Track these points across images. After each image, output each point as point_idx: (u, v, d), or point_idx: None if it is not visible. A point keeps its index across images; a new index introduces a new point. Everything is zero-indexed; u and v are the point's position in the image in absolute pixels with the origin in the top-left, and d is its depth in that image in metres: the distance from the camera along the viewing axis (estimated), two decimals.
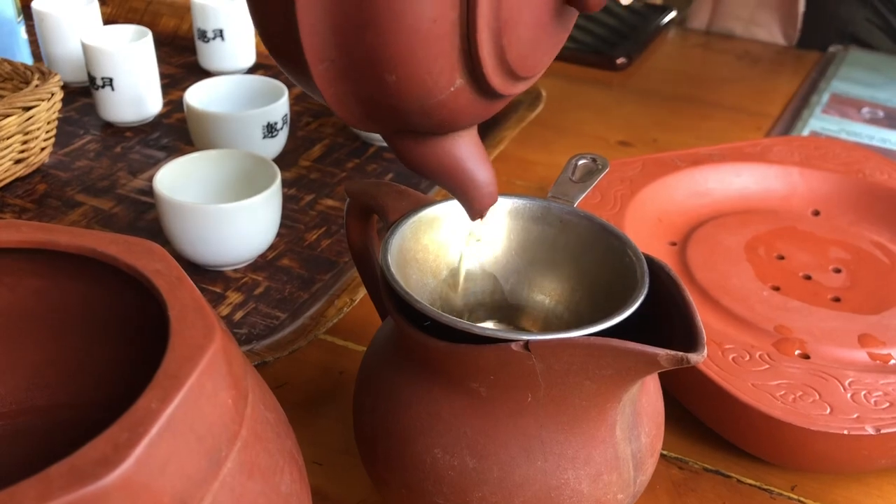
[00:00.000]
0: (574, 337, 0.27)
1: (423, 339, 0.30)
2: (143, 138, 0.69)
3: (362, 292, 0.48)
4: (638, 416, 0.32)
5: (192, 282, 0.26)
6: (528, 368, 0.28)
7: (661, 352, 0.26)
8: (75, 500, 0.19)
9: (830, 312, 0.46)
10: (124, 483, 0.19)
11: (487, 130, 0.70)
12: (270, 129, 0.63)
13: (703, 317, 0.44)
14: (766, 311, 0.46)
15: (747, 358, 0.41)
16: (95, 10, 0.75)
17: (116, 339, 0.32)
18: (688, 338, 0.28)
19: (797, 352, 0.43)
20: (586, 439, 0.30)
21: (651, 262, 0.32)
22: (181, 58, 0.83)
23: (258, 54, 0.81)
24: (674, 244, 0.52)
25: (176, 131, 0.70)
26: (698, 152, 0.59)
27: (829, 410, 0.38)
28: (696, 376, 0.40)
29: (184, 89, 0.77)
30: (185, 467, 0.21)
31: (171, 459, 0.21)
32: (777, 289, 0.47)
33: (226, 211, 0.50)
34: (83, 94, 0.75)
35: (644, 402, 0.32)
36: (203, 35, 0.77)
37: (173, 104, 0.74)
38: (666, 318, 0.30)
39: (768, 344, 0.43)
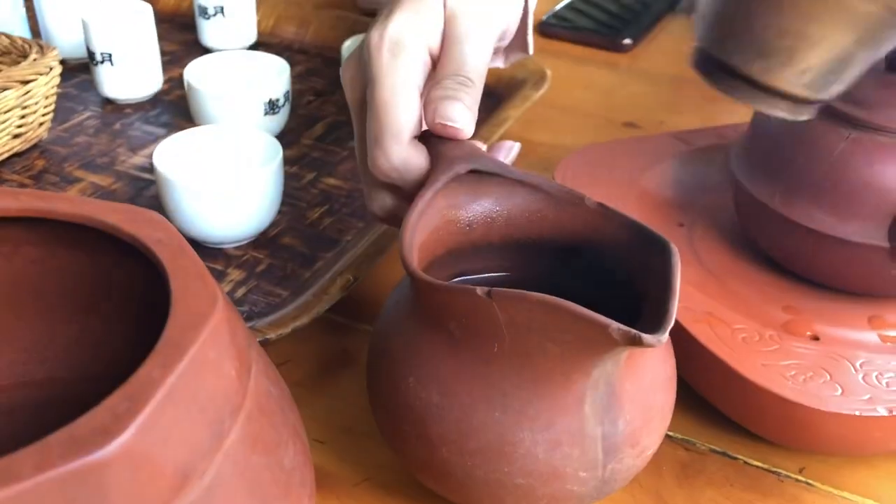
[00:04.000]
0: (532, 294, 0.28)
1: (410, 269, 0.31)
2: (143, 115, 0.68)
3: (366, 270, 0.48)
4: (617, 400, 0.31)
5: (194, 251, 0.26)
6: (492, 317, 0.29)
7: (613, 324, 0.27)
8: (75, 469, 0.18)
9: (839, 294, 0.45)
10: (125, 453, 0.19)
11: (491, 110, 0.69)
12: (272, 106, 0.62)
13: (711, 298, 0.43)
14: (775, 292, 0.45)
15: (757, 338, 0.40)
16: None
17: (116, 310, 0.31)
18: (657, 318, 0.28)
19: (808, 333, 0.42)
20: (549, 404, 0.30)
21: (652, 237, 0.32)
22: (182, 35, 0.82)
23: (259, 32, 0.80)
24: (681, 225, 0.51)
25: (177, 108, 0.69)
26: (706, 131, 0.58)
27: (840, 391, 0.38)
28: (705, 356, 0.40)
29: (185, 66, 0.76)
30: (188, 438, 0.20)
31: (174, 429, 0.20)
32: (786, 270, 0.47)
33: (227, 187, 0.49)
34: (82, 70, 0.74)
35: (629, 388, 0.32)
36: (204, 12, 0.76)
37: (174, 81, 0.73)
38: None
39: (778, 325, 0.42)
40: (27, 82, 0.58)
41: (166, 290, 0.23)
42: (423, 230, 0.34)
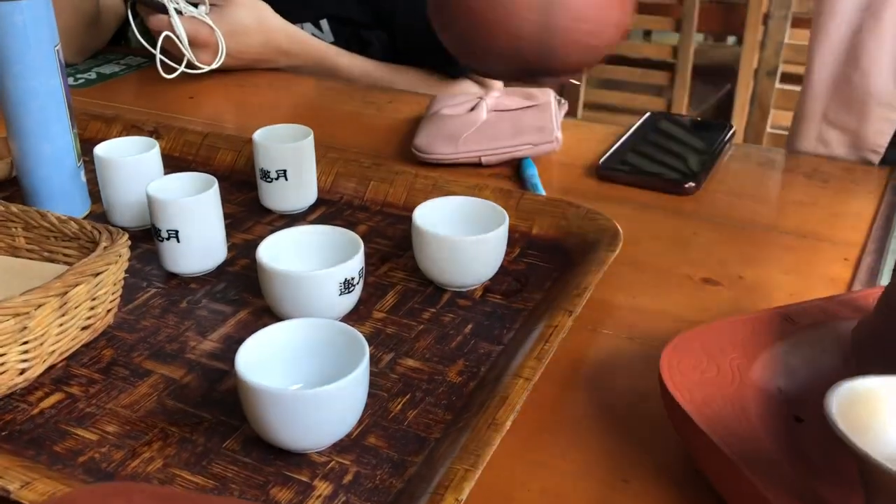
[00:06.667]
0: None
1: None
2: (208, 290, 0.66)
3: (467, 489, 0.44)
4: None
5: None
6: None
7: None
8: None
9: None
10: None
11: (563, 270, 0.66)
12: (347, 286, 0.60)
13: None
14: None
15: None
16: (156, 157, 0.73)
17: None
18: None
19: None
20: None
21: None
22: (241, 194, 0.81)
23: (320, 190, 0.79)
24: (800, 420, 0.47)
25: (242, 281, 0.67)
26: (809, 307, 0.55)
27: None
28: None
29: (246, 230, 0.75)
30: None
31: None
32: None
33: (315, 396, 0.47)
34: (143, 238, 0.73)
35: None
36: (266, 175, 0.75)
37: (237, 248, 0.71)
38: None
39: None
40: (98, 274, 0.56)
41: None
42: None
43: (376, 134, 1.02)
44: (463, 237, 0.63)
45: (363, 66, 1.26)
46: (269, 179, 0.75)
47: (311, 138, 0.75)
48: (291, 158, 0.74)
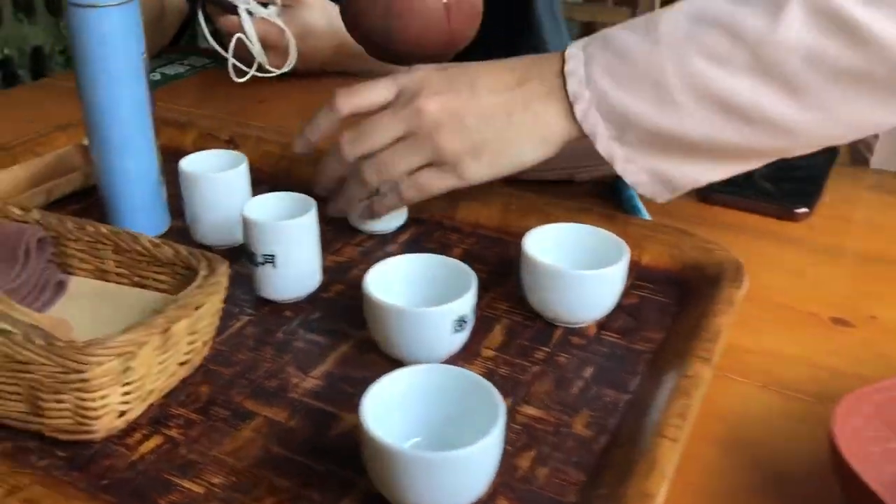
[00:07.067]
0: None
1: None
2: (304, 318, 0.62)
3: None
4: None
5: None
6: None
7: None
8: None
9: None
10: None
11: (692, 319, 0.61)
12: (460, 323, 0.55)
13: None
14: None
15: None
16: (245, 173, 0.69)
17: None
18: None
19: None
20: None
21: None
22: (324, 211, 0.77)
23: (409, 209, 0.75)
24: None
25: (338, 309, 0.63)
26: None
27: None
28: None
29: (336, 252, 0.71)
30: None
31: None
32: None
33: (453, 458, 0.42)
34: (230, 255, 0.68)
35: None
36: None
37: (329, 272, 0.67)
38: None
39: None
40: (199, 307, 0.52)
41: None
42: None
43: None
44: (582, 271, 0.59)
45: None
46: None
47: None
48: None
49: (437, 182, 0.67)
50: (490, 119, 0.65)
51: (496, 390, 0.46)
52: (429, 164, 0.66)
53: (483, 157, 0.66)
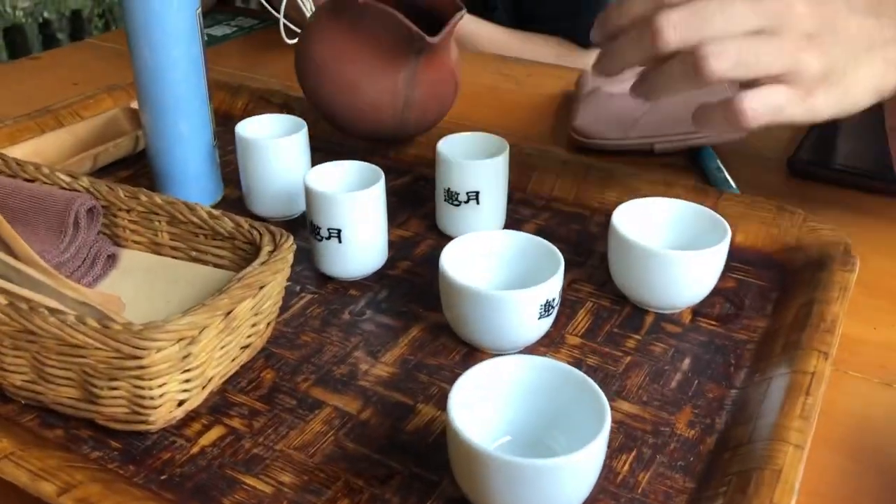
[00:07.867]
0: None
1: None
2: (371, 299, 0.57)
3: None
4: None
5: None
6: None
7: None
8: None
9: None
10: None
11: (799, 305, 0.55)
12: (547, 308, 0.50)
13: None
14: None
15: None
16: (304, 139, 0.64)
17: None
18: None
19: None
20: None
21: None
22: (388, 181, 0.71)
23: None
24: None
25: (406, 288, 0.58)
26: None
27: None
28: None
29: (401, 225, 0.66)
30: None
31: None
32: None
33: (555, 467, 0.37)
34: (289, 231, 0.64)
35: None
36: (453, 197, 0.62)
37: (395, 247, 0.62)
38: None
39: None
40: (264, 286, 0.47)
41: None
42: None
43: (518, 112, 0.91)
44: (682, 252, 0.53)
45: (491, 34, 1.15)
46: (456, 203, 0.63)
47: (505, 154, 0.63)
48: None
49: (787, 106, 0.51)
50: (856, 44, 0.51)
51: (599, 389, 0.41)
52: (773, 78, 0.50)
53: (835, 88, 0.51)
